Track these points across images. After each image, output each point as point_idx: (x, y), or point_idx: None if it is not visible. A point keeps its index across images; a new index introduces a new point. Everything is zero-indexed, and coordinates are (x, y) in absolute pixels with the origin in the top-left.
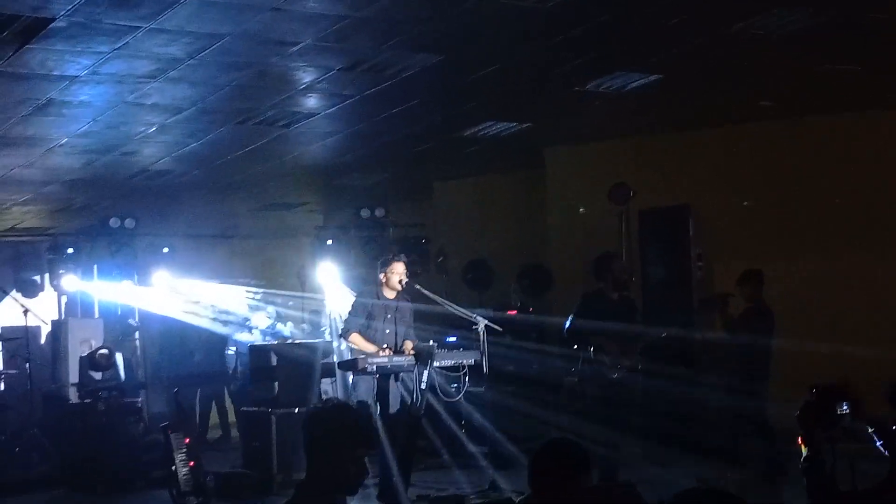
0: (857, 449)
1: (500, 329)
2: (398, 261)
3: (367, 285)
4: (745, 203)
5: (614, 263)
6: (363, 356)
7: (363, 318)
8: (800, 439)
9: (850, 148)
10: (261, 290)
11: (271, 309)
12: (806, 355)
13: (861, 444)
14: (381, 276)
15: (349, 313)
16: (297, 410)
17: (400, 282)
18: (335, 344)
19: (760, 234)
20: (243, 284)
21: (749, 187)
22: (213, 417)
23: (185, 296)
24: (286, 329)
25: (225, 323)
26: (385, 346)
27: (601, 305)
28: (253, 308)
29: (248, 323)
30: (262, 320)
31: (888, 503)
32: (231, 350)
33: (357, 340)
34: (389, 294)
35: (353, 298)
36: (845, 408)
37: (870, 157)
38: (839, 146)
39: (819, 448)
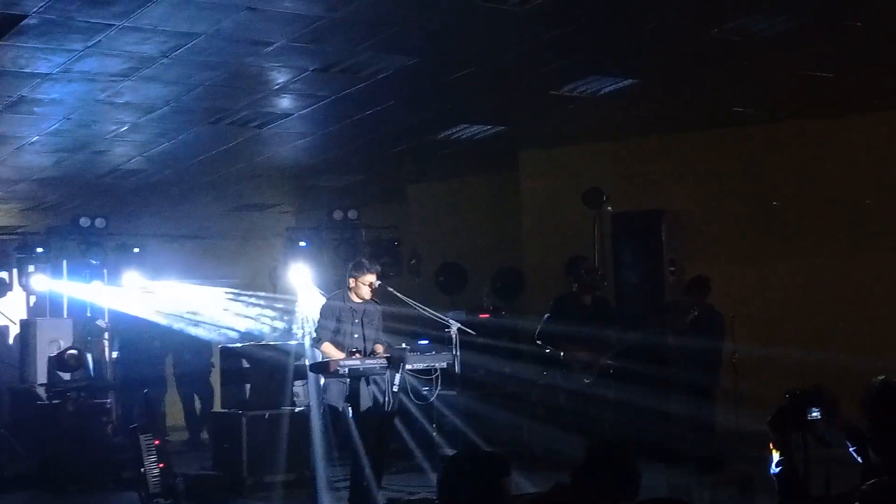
0: (830, 455)
1: (474, 332)
2: (371, 272)
3: (335, 290)
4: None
5: (582, 266)
6: (335, 359)
7: (333, 324)
8: (772, 444)
9: (825, 152)
10: (232, 291)
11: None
12: (778, 360)
13: (834, 450)
14: (351, 281)
15: (319, 321)
16: (266, 414)
17: (369, 292)
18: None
19: (734, 239)
20: (215, 285)
21: (723, 192)
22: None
23: (156, 297)
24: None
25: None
26: (354, 350)
27: (573, 309)
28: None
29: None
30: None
31: None
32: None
33: (328, 350)
34: (357, 298)
35: (322, 305)
36: (817, 413)
37: (845, 162)
38: (814, 150)
39: (791, 453)
